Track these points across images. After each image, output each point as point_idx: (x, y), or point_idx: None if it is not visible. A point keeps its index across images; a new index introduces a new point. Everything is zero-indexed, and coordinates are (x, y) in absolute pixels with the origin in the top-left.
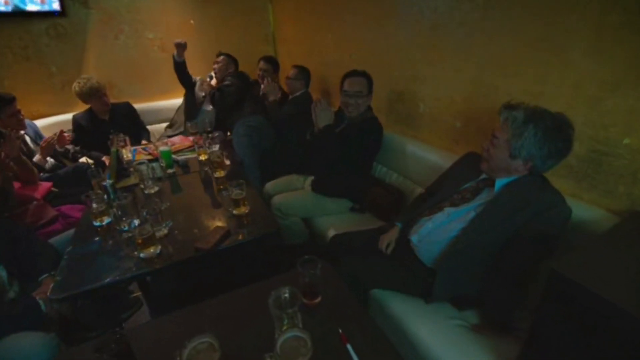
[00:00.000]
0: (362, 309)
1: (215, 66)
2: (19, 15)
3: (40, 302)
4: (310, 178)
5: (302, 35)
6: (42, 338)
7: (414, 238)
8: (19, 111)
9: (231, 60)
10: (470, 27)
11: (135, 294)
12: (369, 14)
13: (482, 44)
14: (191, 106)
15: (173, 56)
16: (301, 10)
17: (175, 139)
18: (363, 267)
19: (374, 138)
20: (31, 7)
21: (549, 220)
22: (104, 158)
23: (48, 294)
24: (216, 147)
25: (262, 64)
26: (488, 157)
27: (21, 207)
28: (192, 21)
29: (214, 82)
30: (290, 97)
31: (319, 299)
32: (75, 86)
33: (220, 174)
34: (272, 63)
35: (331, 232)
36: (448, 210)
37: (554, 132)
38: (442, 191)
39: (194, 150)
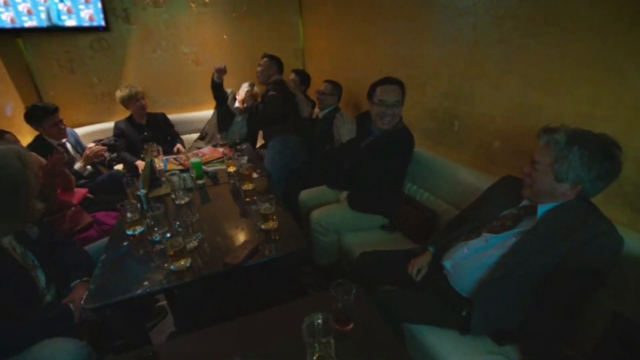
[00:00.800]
0: (396, 338)
1: (259, 68)
2: (67, 30)
3: (72, 308)
4: (344, 193)
5: (331, 50)
6: (74, 345)
7: (447, 263)
8: (61, 121)
9: (274, 62)
10: (512, 44)
11: (160, 303)
12: (403, 30)
13: (524, 62)
14: (223, 118)
15: (212, 77)
16: (332, 25)
17: (205, 150)
18: (396, 299)
19: (404, 148)
20: (70, 23)
21: (597, 250)
22: (137, 162)
23: (82, 302)
24: (244, 160)
25: (292, 75)
26: (531, 182)
27: (60, 212)
28: (225, 36)
29: (255, 89)
30: (321, 112)
31: (351, 326)
32: (118, 92)
33: (248, 186)
34: (302, 76)
35: (359, 250)
36: (486, 236)
37: (601, 152)
38: (479, 216)
39: (223, 161)
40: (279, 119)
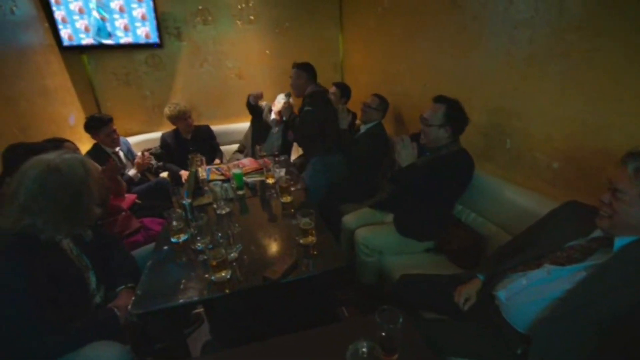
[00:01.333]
0: None
1: (291, 81)
2: (125, 46)
3: (118, 313)
4: (389, 215)
5: (371, 64)
6: (119, 349)
7: (501, 294)
8: (114, 131)
9: (304, 70)
10: (575, 58)
11: (197, 311)
12: (449, 43)
13: (590, 77)
14: (259, 130)
15: (248, 99)
16: (372, 38)
17: (245, 160)
18: (442, 330)
19: (461, 171)
20: (126, 40)
21: None
22: (182, 172)
23: (129, 307)
24: (282, 172)
25: (333, 89)
26: (612, 212)
27: (111, 217)
28: (267, 51)
29: (291, 100)
30: (363, 126)
31: (396, 356)
32: (166, 110)
33: (286, 199)
34: (342, 88)
35: (400, 272)
36: (548, 267)
37: None
38: (539, 245)
39: (262, 173)
40: (317, 136)
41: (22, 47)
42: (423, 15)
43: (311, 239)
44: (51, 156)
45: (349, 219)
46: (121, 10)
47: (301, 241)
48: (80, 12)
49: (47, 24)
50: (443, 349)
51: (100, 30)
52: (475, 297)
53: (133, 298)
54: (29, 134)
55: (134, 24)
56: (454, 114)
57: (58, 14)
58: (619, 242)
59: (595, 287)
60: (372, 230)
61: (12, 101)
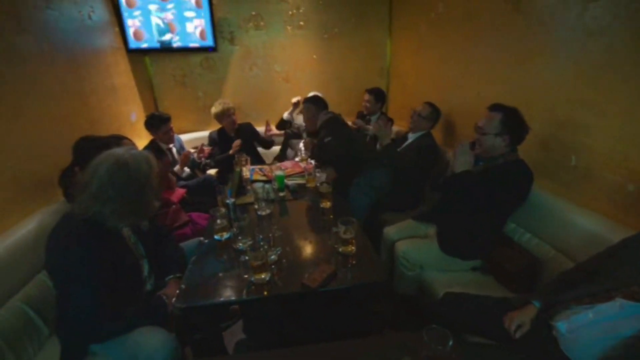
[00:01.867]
0: None
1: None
2: (184, 50)
3: (166, 301)
4: (433, 228)
5: (421, 70)
6: (166, 336)
7: (561, 325)
8: (171, 129)
9: (310, 104)
10: None
11: (234, 307)
12: (507, 50)
13: None
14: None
15: (282, 117)
16: (423, 44)
17: (287, 163)
18: (492, 357)
19: (516, 184)
20: (183, 44)
21: None
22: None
23: (174, 300)
24: (324, 177)
25: (366, 95)
26: None
27: (163, 209)
28: (314, 56)
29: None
30: (412, 134)
31: None
32: (213, 109)
33: (326, 204)
34: (375, 94)
35: (442, 288)
36: (622, 302)
37: None
38: (611, 276)
39: (303, 176)
40: (343, 158)
41: (96, 49)
42: (480, 21)
43: (351, 248)
44: (121, 151)
45: (390, 231)
46: (182, 16)
47: (340, 250)
48: (146, 17)
49: (117, 28)
50: None
51: (162, 34)
52: (529, 325)
53: (178, 291)
54: (96, 127)
55: (193, 29)
56: (512, 122)
57: (129, 21)
58: None
59: None
60: (413, 244)
61: (84, 97)
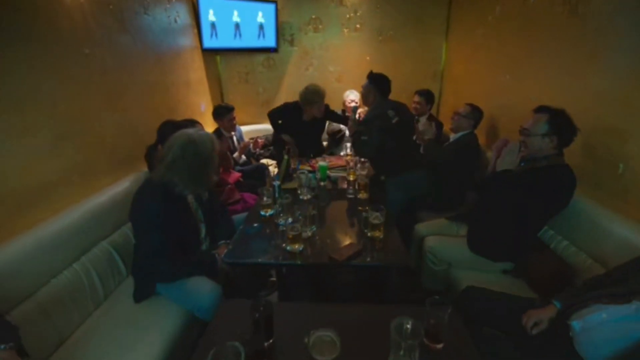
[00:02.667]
0: None
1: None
2: (249, 50)
3: (218, 257)
4: (465, 228)
5: (474, 75)
6: (214, 285)
7: (576, 324)
8: (234, 118)
9: (372, 85)
10: None
11: (272, 279)
12: (562, 55)
13: None
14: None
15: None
16: (479, 48)
17: (332, 157)
18: (506, 349)
19: (561, 190)
20: (249, 44)
21: None
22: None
23: (222, 255)
24: (365, 171)
25: (416, 97)
26: None
27: (220, 187)
28: (367, 57)
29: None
30: (454, 135)
31: (441, 346)
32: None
33: (363, 195)
34: (425, 96)
35: (467, 284)
36: (638, 305)
37: None
38: (634, 279)
39: (344, 169)
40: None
41: (178, 48)
42: (535, 24)
43: (378, 233)
44: (191, 131)
45: (421, 227)
46: (251, 19)
47: (369, 234)
48: (219, 20)
49: (196, 30)
50: None
51: (234, 35)
52: (547, 324)
53: (226, 250)
54: (174, 114)
55: (261, 31)
56: (560, 122)
57: (205, 23)
58: None
59: None
60: (442, 240)
61: (166, 89)
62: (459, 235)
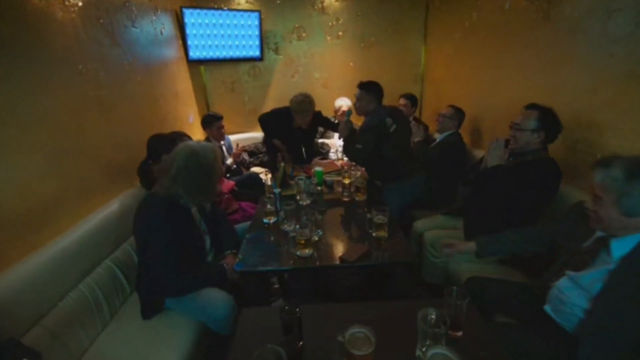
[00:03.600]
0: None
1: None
2: (234, 60)
3: (227, 267)
4: (461, 221)
5: (454, 77)
6: (227, 296)
7: (547, 308)
8: (222, 126)
9: (364, 91)
10: None
11: (275, 286)
12: (538, 57)
13: None
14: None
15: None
16: (457, 51)
17: (323, 162)
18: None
19: (548, 182)
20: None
21: None
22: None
23: (233, 265)
24: (359, 173)
25: (401, 100)
26: (598, 219)
27: (218, 197)
28: (351, 63)
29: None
30: (439, 136)
31: (460, 333)
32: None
33: (360, 197)
34: (411, 99)
35: (467, 276)
36: (570, 274)
37: None
38: (562, 250)
39: (339, 173)
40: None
41: (165, 60)
42: (511, 29)
43: (383, 233)
44: (193, 143)
45: (418, 224)
46: (234, 28)
47: (374, 234)
48: (204, 30)
49: (181, 41)
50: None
51: (217, 46)
52: (457, 254)
53: (236, 260)
54: (164, 126)
55: (244, 41)
56: (548, 119)
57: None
58: (615, 245)
59: (613, 301)
60: (440, 234)
61: (155, 100)
62: (455, 229)
